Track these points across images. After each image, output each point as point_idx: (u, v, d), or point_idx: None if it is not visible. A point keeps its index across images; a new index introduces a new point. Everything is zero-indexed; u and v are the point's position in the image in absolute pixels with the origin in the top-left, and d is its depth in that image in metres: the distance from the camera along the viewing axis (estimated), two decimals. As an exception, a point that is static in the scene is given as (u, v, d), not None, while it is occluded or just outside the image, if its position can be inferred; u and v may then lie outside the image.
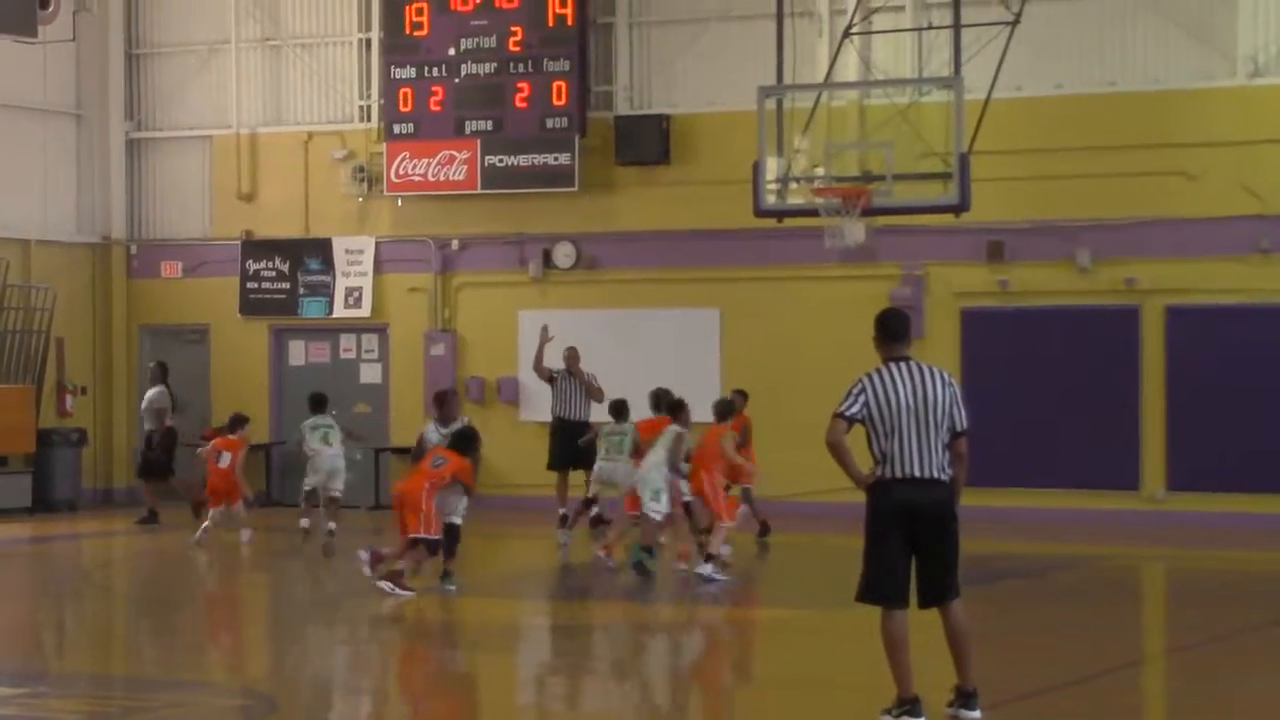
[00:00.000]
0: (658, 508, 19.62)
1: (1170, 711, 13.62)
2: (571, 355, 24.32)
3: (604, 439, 21.25)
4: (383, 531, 24.38)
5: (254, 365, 29.96)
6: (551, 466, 23.73)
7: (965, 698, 11.75)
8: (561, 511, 22.74)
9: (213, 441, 23.65)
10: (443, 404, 20.61)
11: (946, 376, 11.67)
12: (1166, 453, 25.26)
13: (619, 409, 21.28)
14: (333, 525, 22.32)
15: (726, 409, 20.40)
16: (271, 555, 23.24)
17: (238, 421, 23.80)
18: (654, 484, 19.68)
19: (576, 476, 23.08)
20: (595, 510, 21.71)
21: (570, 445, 23.18)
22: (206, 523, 23.04)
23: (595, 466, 21.18)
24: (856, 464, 11.49)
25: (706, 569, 19.23)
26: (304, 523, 23.08)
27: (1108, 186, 25.54)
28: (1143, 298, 25.60)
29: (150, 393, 27.05)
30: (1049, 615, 17.46)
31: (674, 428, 19.99)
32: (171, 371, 27.43)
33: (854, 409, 11.48)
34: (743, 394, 22.89)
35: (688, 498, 20.00)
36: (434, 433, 20.08)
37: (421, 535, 18.19)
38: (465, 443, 18.77)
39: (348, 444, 23.67)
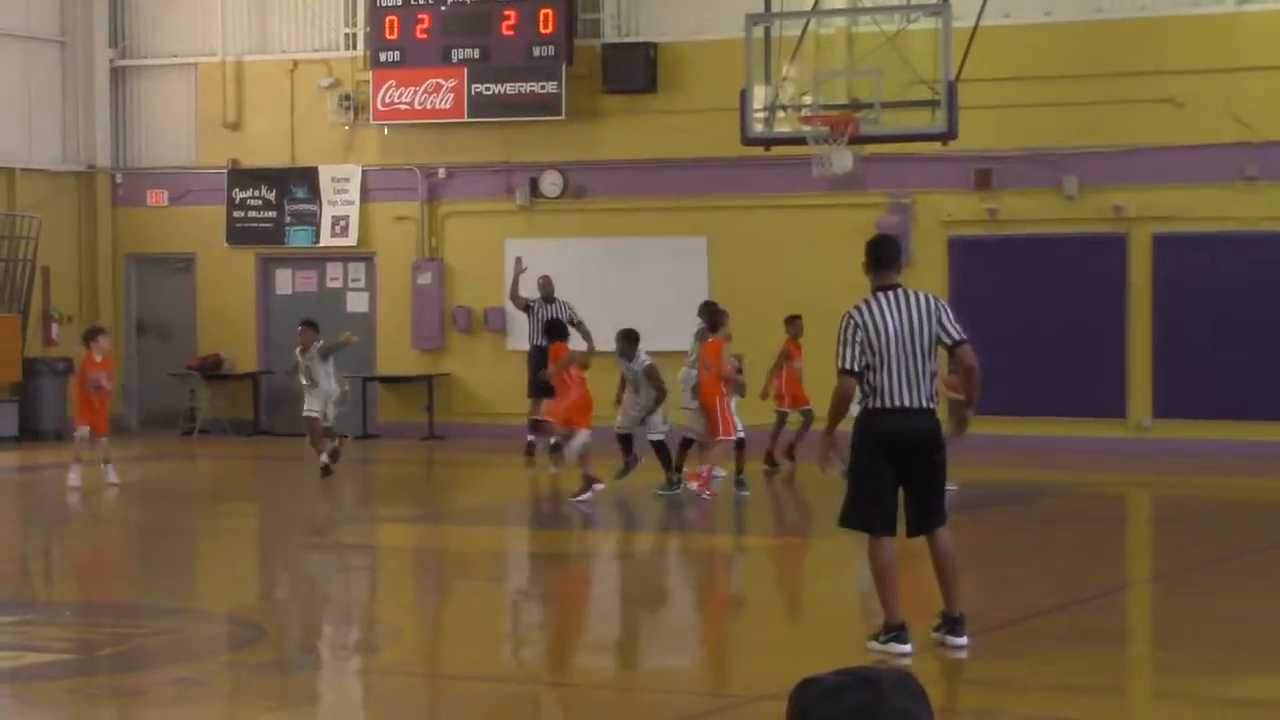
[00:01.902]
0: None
1: (1156, 637, 13.66)
2: (546, 284, 24.19)
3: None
4: (371, 461, 24.43)
5: (240, 294, 29.87)
6: (530, 394, 23.76)
7: (952, 623, 11.77)
8: (530, 438, 22.85)
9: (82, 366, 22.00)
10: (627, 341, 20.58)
11: (934, 300, 11.64)
12: (1153, 380, 25.27)
13: (630, 340, 20.59)
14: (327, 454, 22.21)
15: (716, 319, 20.17)
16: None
17: (92, 335, 22.08)
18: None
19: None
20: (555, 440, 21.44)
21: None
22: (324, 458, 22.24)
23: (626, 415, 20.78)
24: (837, 424, 11.56)
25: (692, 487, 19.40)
26: (324, 458, 22.11)
27: (1095, 114, 25.45)
28: (1129, 225, 25.56)
29: None
30: (1035, 542, 17.50)
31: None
32: (157, 301, 27.29)
33: (857, 359, 11.41)
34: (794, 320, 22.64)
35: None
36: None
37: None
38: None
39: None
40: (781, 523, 19.99)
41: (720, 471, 20.09)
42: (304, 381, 22.37)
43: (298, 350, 22.57)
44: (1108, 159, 25.49)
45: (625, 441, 20.25)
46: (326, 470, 21.99)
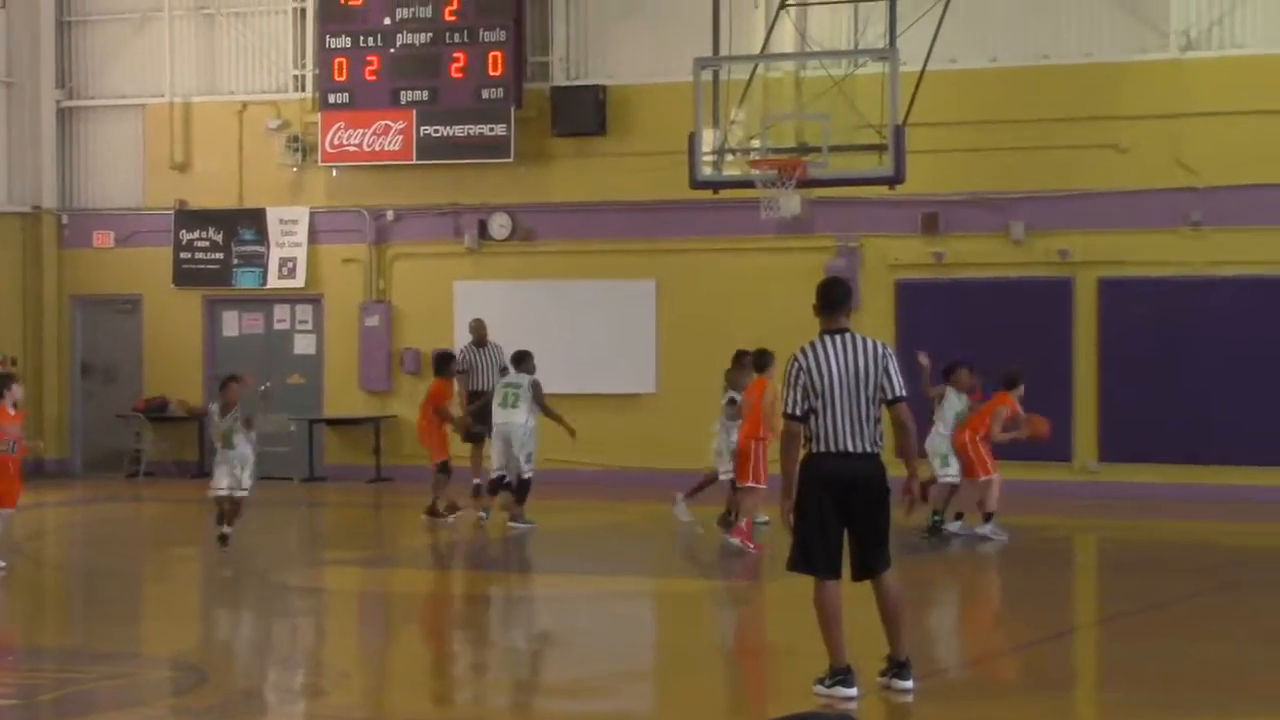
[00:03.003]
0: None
1: (1101, 680, 13.66)
2: (479, 327, 24.21)
3: (500, 388, 21.51)
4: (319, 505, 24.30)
5: (187, 336, 29.73)
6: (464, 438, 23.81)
7: (898, 667, 11.76)
8: (475, 482, 22.90)
9: None
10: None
11: (881, 347, 11.66)
12: (1099, 424, 25.35)
13: (520, 358, 21.62)
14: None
15: (763, 359, 19.75)
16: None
17: (2, 383, 18.52)
18: None
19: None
20: (505, 479, 21.56)
21: (483, 419, 23.09)
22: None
23: (494, 420, 21.40)
24: (793, 478, 11.49)
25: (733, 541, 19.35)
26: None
27: (1041, 159, 25.58)
28: (1075, 270, 25.68)
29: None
30: (983, 585, 17.51)
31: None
32: (102, 342, 27.12)
33: (800, 404, 11.45)
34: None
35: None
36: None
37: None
38: None
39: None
40: (740, 565, 19.94)
41: (763, 517, 19.97)
42: (222, 445, 19.31)
43: (216, 407, 19.55)
44: (1054, 203, 25.62)
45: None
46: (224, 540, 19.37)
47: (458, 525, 21.65)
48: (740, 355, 20.38)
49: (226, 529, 19.17)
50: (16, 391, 18.37)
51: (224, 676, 13.22)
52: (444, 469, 22.23)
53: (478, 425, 23.08)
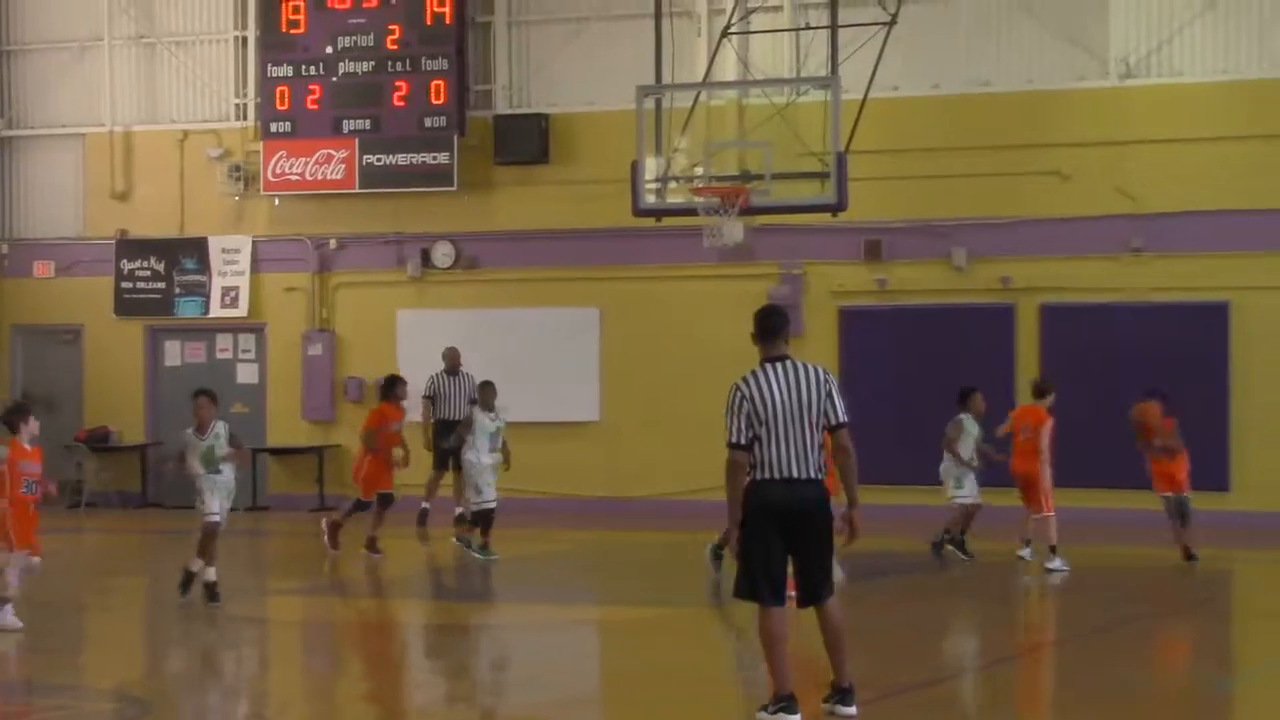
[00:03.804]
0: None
1: (1041, 705, 13.74)
2: (452, 355, 24.23)
3: (489, 425, 21.39)
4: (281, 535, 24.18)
5: (129, 366, 29.64)
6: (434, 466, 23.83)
7: (841, 694, 11.81)
8: (424, 506, 22.87)
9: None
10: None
11: (823, 374, 11.72)
12: (1041, 450, 25.44)
13: (486, 388, 21.60)
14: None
15: None
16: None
17: (20, 415, 16.48)
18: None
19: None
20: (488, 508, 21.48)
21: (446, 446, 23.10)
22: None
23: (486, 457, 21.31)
24: (739, 506, 11.51)
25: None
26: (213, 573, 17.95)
27: (983, 186, 25.77)
28: (1017, 296, 25.84)
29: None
30: (925, 611, 17.57)
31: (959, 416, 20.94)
32: (43, 373, 26.99)
33: (744, 433, 11.50)
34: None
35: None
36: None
37: None
38: None
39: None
40: (683, 593, 19.96)
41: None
42: (200, 471, 17.63)
43: (191, 431, 17.81)
44: (996, 230, 25.80)
45: None
46: (212, 590, 17.65)
47: (385, 559, 21.37)
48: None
49: (211, 575, 17.49)
50: (33, 425, 16.27)
51: (167, 708, 13.18)
52: (384, 500, 21.69)
53: (447, 456, 23.18)
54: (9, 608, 15.95)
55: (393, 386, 22.20)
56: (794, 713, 11.55)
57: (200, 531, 17.59)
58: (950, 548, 20.92)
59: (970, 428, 20.95)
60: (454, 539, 21.66)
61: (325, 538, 21.75)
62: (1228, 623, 18.19)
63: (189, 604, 17.50)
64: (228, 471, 17.70)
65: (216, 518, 17.53)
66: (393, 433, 21.75)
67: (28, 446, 16.01)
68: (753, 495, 11.59)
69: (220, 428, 17.69)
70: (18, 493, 15.90)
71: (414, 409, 23.92)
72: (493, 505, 21.30)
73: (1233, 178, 24.96)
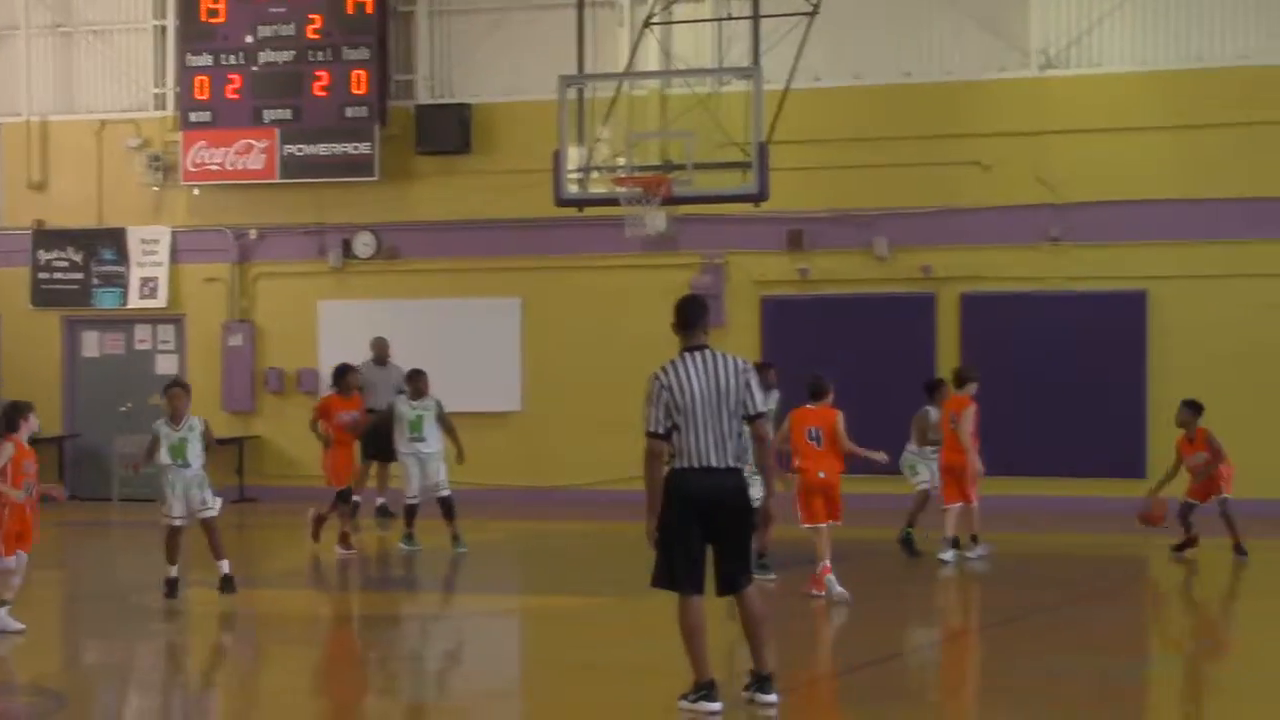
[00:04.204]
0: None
1: (963, 690, 13.82)
2: (380, 345, 24.12)
3: (409, 412, 21.22)
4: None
5: (46, 357, 29.41)
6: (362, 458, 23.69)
7: (761, 681, 11.84)
8: (355, 500, 22.79)
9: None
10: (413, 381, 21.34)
11: (741, 363, 11.74)
12: (962, 439, 25.58)
13: (415, 377, 21.42)
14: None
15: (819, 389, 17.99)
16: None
17: (22, 413, 15.66)
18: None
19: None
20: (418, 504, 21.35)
21: (376, 438, 22.89)
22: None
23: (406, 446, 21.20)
24: (659, 495, 11.52)
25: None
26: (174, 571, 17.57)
27: (904, 176, 25.87)
28: (938, 285, 25.97)
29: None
30: (850, 599, 17.61)
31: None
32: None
33: (663, 422, 11.51)
34: (1192, 405, 21.02)
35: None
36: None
37: None
38: None
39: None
40: (600, 581, 19.98)
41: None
42: (168, 461, 17.23)
43: (163, 422, 17.34)
44: (917, 220, 25.91)
45: None
46: (173, 587, 17.39)
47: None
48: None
49: (223, 565, 17.29)
50: (33, 422, 15.55)
51: (84, 701, 13.10)
52: (344, 497, 21.19)
53: (370, 446, 23.04)
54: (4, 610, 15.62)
55: (341, 376, 21.69)
56: (714, 700, 11.58)
57: (164, 534, 17.27)
58: (901, 544, 20.59)
59: (934, 418, 20.86)
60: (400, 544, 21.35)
61: (309, 530, 21.46)
62: (1141, 608, 18.35)
63: (95, 591, 17.40)
64: (195, 465, 17.23)
65: (178, 521, 17.19)
66: (341, 423, 21.21)
67: (27, 446, 15.42)
68: (672, 484, 11.60)
69: (196, 422, 17.34)
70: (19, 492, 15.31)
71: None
72: (415, 500, 21.19)
73: (1150, 168, 25.16)
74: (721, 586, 11.75)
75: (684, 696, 11.67)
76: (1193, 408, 20.85)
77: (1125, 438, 25.07)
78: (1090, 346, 25.20)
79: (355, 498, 21.83)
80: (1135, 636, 16.24)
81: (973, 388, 20.70)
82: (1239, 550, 20.19)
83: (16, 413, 15.52)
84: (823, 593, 16.99)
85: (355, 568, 20.82)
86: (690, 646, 11.62)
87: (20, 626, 15.65)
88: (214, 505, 17.40)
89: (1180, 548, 20.55)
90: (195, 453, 17.20)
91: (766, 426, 11.81)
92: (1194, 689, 13.68)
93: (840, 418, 17.63)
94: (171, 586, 17.26)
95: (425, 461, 21.27)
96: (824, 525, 17.23)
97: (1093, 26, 25.62)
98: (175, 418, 17.23)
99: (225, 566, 17.43)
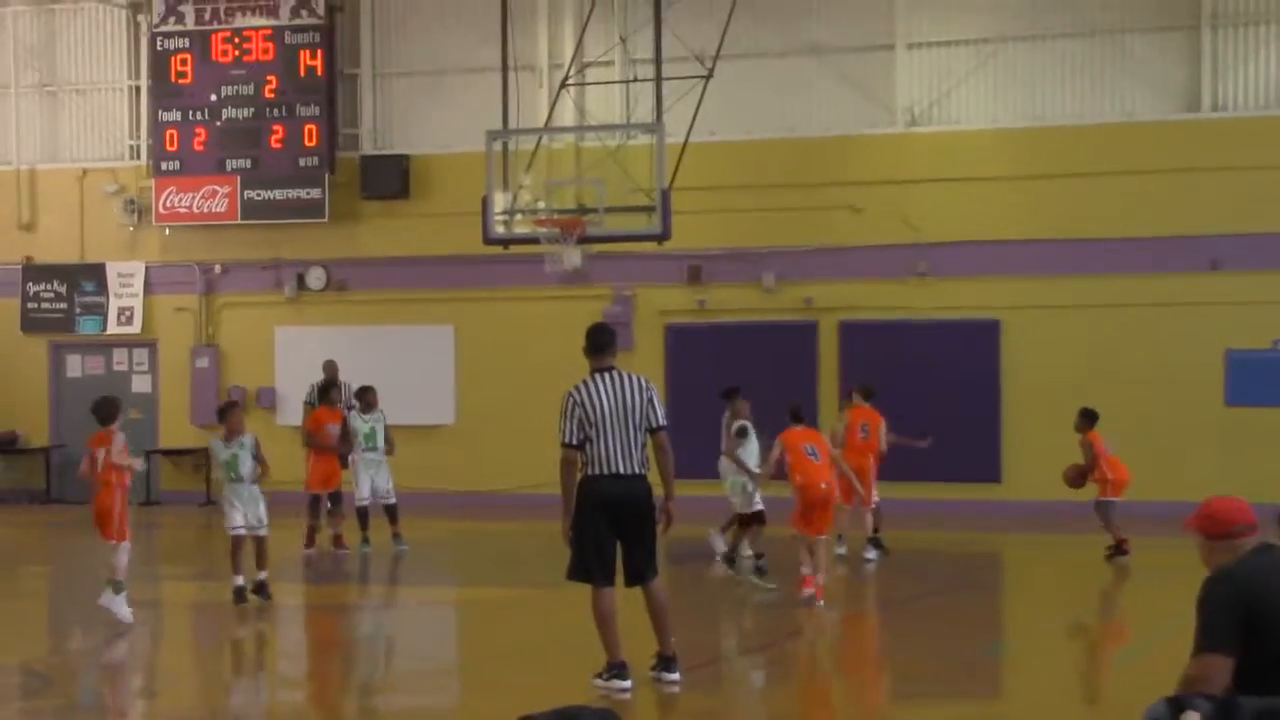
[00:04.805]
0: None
1: (846, 669, 13.89)
2: (330, 367, 24.00)
3: (364, 425, 20.88)
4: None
5: (34, 377, 29.16)
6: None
7: (666, 662, 11.87)
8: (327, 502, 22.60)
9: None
10: (363, 397, 21.08)
11: (644, 382, 11.79)
12: (840, 448, 25.69)
13: (364, 393, 21.09)
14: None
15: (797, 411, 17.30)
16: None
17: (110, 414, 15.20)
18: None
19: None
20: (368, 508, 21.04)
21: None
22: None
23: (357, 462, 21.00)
24: (573, 498, 11.52)
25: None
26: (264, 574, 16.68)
27: (788, 218, 25.99)
28: (819, 314, 26.09)
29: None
30: (739, 591, 17.66)
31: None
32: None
33: (576, 434, 11.54)
34: (1085, 413, 20.10)
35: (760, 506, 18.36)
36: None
37: None
38: None
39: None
40: (523, 575, 19.95)
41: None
42: (230, 476, 16.32)
43: (219, 439, 16.53)
44: (799, 257, 26.03)
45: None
46: (263, 589, 16.39)
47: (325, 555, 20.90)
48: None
49: (262, 574, 16.36)
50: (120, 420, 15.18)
51: (68, 681, 12.99)
52: (316, 501, 20.85)
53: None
54: (124, 595, 15.09)
55: (327, 391, 21.50)
56: (625, 679, 11.60)
57: (229, 545, 16.47)
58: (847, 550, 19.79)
59: (840, 428, 20.29)
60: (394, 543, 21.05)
61: (303, 542, 20.95)
62: (997, 596, 18.48)
63: (82, 584, 17.22)
64: (249, 480, 16.31)
65: (239, 531, 16.32)
66: (329, 434, 20.85)
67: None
68: (585, 489, 11.63)
69: (247, 439, 16.33)
70: (124, 483, 15.13)
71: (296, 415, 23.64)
72: (364, 503, 21.07)
73: (1003, 212, 25.37)
74: (630, 578, 11.78)
75: (598, 675, 11.69)
76: (1085, 415, 20.02)
77: (982, 447, 25.28)
78: (952, 368, 25.38)
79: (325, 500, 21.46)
80: (989, 620, 16.35)
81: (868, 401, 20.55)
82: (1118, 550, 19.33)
83: (115, 406, 15.17)
84: (821, 600, 15.96)
85: (307, 564, 20.70)
86: (603, 631, 11.65)
87: (131, 620, 15.01)
88: (266, 524, 16.46)
89: (1114, 552, 19.33)
90: (247, 468, 16.26)
91: (666, 438, 11.84)
92: (1048, 663, 13.81)
93: (827, 435, 17.59)
94: (239, 594, 16.29)
95: (376, 469, 21.16)
96: (824, 536, 16.39)
97: (951, 90, 25.84)
98: (228, 436, 16.39)
99: (263, 575, 16.51)
